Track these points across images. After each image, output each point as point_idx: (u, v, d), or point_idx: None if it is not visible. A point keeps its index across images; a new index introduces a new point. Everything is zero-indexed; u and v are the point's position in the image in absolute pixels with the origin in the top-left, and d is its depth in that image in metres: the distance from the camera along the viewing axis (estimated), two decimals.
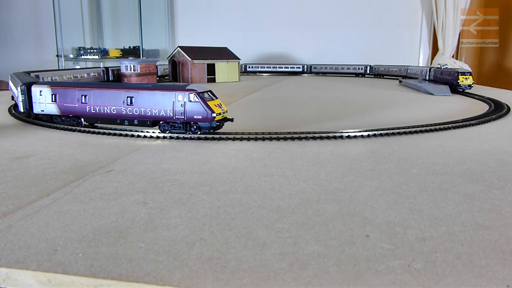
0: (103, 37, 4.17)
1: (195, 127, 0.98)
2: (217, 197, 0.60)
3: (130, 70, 2.63)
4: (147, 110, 0.99)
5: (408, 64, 3.26)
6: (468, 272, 0.39)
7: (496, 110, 1.49)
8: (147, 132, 1.02)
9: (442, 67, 2.45)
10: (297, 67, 3.80)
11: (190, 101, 0.95)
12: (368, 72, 3.60)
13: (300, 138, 0.98)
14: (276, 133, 1.00)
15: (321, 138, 0.99)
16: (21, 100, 1.17)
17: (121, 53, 3.90)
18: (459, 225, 0.50)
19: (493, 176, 0.71)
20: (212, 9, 3.97)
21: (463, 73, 2.21)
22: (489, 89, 2.41)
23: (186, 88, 0.96)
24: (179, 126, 0.99)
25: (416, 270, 0.39)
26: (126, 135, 1.02)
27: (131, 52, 3.87)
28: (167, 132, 1.00)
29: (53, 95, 1.09)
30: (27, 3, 4.16)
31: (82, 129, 1.07)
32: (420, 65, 3.64)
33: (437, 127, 1.13)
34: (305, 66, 3.79)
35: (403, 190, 0.63)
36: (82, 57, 3.81)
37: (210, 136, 0.98)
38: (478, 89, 2.22)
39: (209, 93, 0.99)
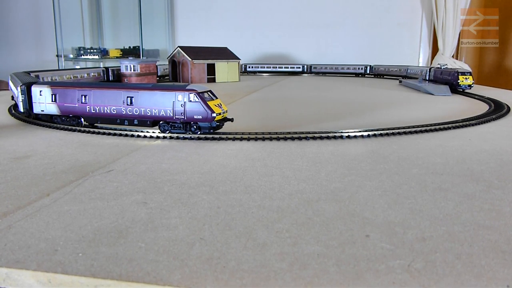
0: (103, 37, 4.17)
1: (195, 127, 0.98)
2: (217, 197, 0.60)
3: (130, 70, 2.63)
4: (147, 110, 0.99)
5: (408, 64, 3.26)
6: (468, 272, 0.39)
7: (496, 110, 1.49)
8: (147, 132, 1.02)
9: (442, 67, 2.45)
10: (297, 67, 3.80)
11: (190, 101, 0.95)
12: (368, 72, 3.60)
13: (300, 138, 0.98)
14: (276, 133, 1.00)
15: (321, 138, 0.99)
16: (21, 100, 1.17)
17: (121, 53, 3.90)
18: (459, 225, 0.50)
19: (493, 176, 0.71)
20: (212, 9, 3.97)
21: (463, 73, 2.21)
22: (489, 89, 2.41)
23: (186, 88, 0.96)
24: (179, 126, 0.99)
25: (416, 270, 0.39)
26: (126, 135, 1.02)
27: (131, 52, 3.87)
28: (167, 132, 1.00)
29: (53, 95, 1.09)
30: (27, 3, 4.16)
31: (82, 129, 1.07)
32: (420, 65, 3.63)
33: (437, 127, 1.13)
34: (305, 66, 3.79)
35: (403, 190, 0.63)
36: (82, 57, 3.81)
37: (210, 136, 0.98)
38: (478, 89, 2.22)
39: (209, 93, 0.99)
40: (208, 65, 2.92)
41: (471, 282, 0.38)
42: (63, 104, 1.08)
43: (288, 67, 3.80)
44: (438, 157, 0.83)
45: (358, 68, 3.64)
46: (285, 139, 0.98)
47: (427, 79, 2.63)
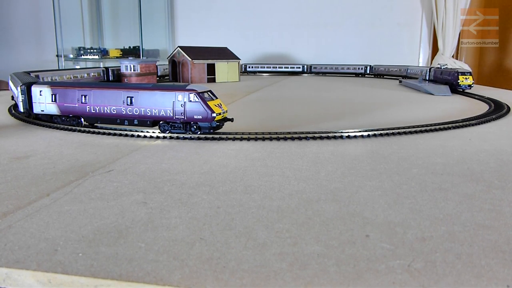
0: (103, 37, 4.17)
1: (195, 127, 0.98)
2: (217, 197, 0.60)
3: (130, 70, 2.63)
4: (147, 110, 0.99)
5: (408, 64, 3.26)
6: (468, 272, 0.39)
7: (496, 110, 1.49)
8: (147, 132, 1.02)
9: (442, 67, 2.45)
10: (297, 67, 3.80)
11: (190, 101, 0.95)
12: (368, 72, 3.60)
13: (300, 138, 0.98)
14: (276, 133, 1.00)
15: (321, 138, 0.99)
16: (21, 100, 1.17)
17: (121, 53, 3.90)
18: (459, 225, 0.50)
19: (493, 176, 0.71)
20: (212, 9, 3.97)
21: (463, 73, 2.21)
22: (489, 89, 2.41)
23: (186, 88, 0.96)
24: (179, 126, 0.99)
25: (416, 270, 0.39)
26: (126, 135, 1.02)
27: (131, 52, 3.87)
28: (167, 132, 1.00)
29: (53, 95, 1.09)
30: (27, 3, 4.16)
31: (82, 129, 1.07)
32: (420, 65, 3.63)
33: (437, 127, 1.13)
34: (305, 66, 3.79)
35: (403, 190, 0.63)
36: (82, 57, 3.81)
37: (210, 136, 0.98)
38: (478, 89, 2.22)
39: (209, 93, 0.99)
40: (208, 65, 2.92)
41: (471, 282, 0.38)
42: (63, 104, 1.08)
43: (288, 67, 3.80)
44: (438, 157, 0.83)
45: (358, 68, 3.64)
46: (285, 139, 0.98)
47: (427, 79, 2.63)
